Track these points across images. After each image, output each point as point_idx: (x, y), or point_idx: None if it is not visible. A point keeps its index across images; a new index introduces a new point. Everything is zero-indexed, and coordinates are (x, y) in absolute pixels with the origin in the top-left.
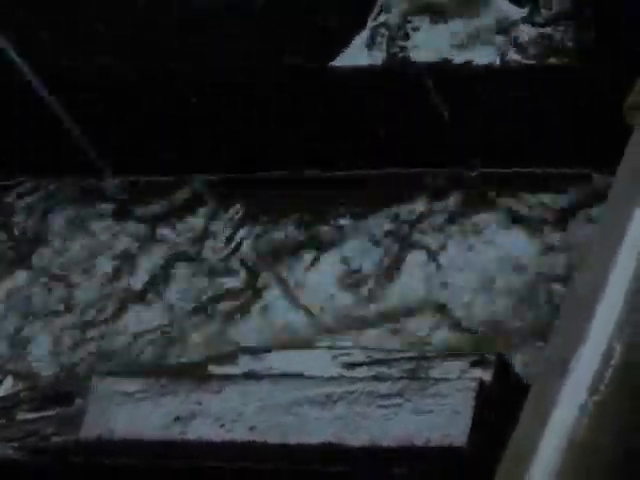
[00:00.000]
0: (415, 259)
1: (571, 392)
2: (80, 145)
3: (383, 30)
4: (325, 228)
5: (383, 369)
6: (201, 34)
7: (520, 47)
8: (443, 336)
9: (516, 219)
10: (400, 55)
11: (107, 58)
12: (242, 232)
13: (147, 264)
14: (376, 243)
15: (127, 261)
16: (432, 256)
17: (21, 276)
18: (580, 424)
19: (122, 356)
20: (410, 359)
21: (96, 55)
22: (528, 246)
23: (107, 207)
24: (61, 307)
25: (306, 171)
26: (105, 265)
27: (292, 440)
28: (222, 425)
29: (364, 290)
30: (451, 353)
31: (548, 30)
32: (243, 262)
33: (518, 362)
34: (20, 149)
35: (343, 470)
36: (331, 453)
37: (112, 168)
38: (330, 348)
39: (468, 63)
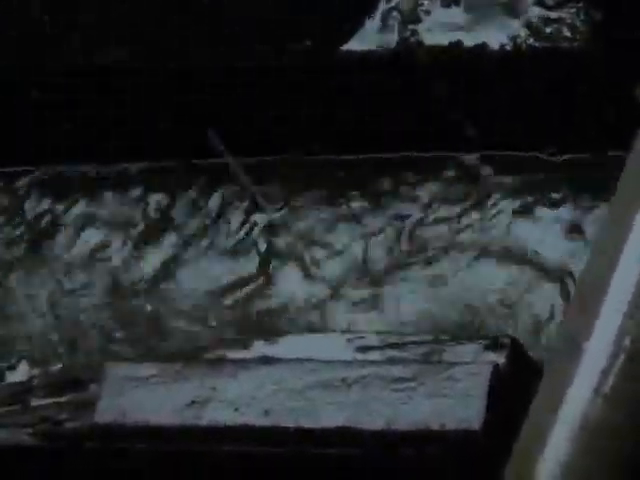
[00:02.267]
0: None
1: (585, 374)
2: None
3: (395, 13)
4: (340, 210)
5: (397, 353)
6: (213, 16)
7: (532, 29)
8: None
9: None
10: (412, 39)
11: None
12: (256, 217)
13: (160, 249)
14: (391, 227)
15: (140, 246)
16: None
17: None
18: (594, 406)
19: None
20: (424, 343)
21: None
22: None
23: (124, 192)
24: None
25: (318, 155)
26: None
27: (306, 424)
28: (236, 409)
29: (377, 278)
30: (465, 336)
31: (559, 12)
32: (256, 246)
33: None
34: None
35: (357, 454)
36: (345, 437)
37: (129, 154)
38: (343, 332)
39: (480, 46)
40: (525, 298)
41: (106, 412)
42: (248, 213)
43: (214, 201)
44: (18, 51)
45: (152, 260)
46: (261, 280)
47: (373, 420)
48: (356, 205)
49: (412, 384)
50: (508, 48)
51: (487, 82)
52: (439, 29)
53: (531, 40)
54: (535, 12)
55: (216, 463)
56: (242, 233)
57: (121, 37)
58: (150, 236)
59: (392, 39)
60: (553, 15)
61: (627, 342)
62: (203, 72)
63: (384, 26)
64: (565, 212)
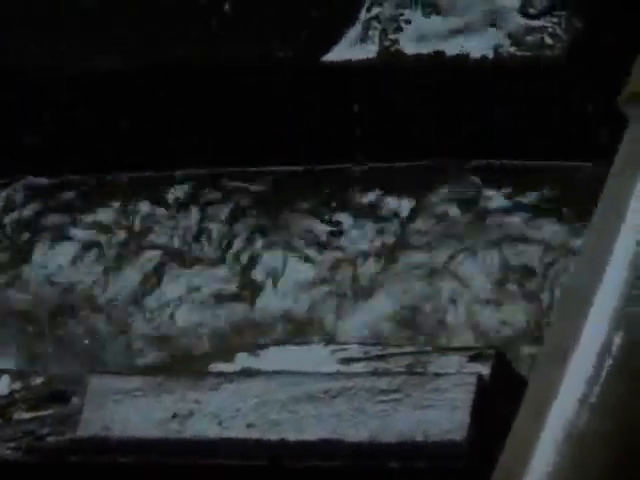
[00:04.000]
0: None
1: (570, 384)
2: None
3: (375, 23)
4: (321, 225)
5: (381, 364)
6: (187, 31)
7: (514, 38)
8: None
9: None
10: (393, 48)
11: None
12: (237, 227)
13: (141, 262)
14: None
15: (120, 259)
16: None
17: None
18: (580, 415)
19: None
20: (408, 354)
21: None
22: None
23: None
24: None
25: (300, 166)
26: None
27: (290, 436)
28: (220, 422)
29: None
30: (449, 348)
31: (541, 21)
32: (238, 258)
33: None
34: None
35: (342, 466)
36: (330, 449)
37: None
38: (327, 344)
39: (461, 55)
40: None
41: (89, 426)
42: (230, 223)
43: (196, 211)
44: None
45: (133, 271)
46: (243, 291)
47: (357, 432)
48: (340, 216)
49: (396, 396)
50: (490, 57)
51: (468, 91)
52: (420, 38)
53: (513, 49)
54: (517, 21)
55: (200, 477)
56: (224, 244)
57: (105, 40)
58: (132, 246)
59: (373, 49)
60: (535, 24)
61: (613, 351)
62: (181, 83)
63: (365, 36)
64: (549, 220)
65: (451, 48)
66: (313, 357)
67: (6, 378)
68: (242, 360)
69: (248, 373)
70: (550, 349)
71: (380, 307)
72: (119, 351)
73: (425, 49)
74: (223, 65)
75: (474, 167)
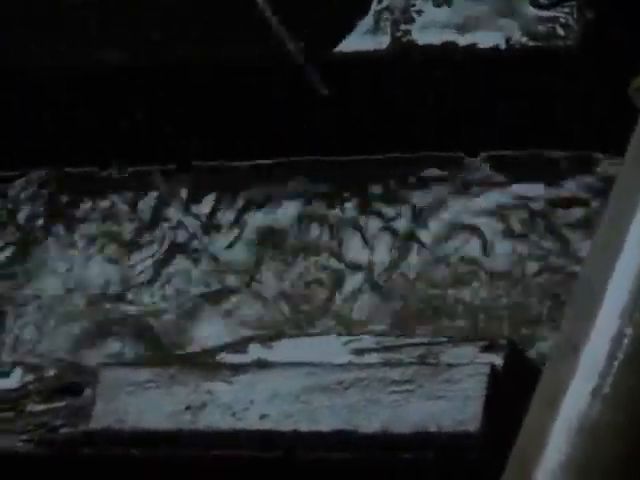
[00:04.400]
0: None
1: (583, 376)
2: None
3: (387, 14)
4: (327, 214)
5: (393, 355)
6: (198, 20)
7: (525, 29)
8: None
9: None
10: (404, 39)
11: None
12: (244, 220)
13: (150, 252)
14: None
15: (132, 248)
16: None
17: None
18: (593, 407)
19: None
20: (420, 345)
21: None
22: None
23: (113, 196)
24: None
25: (311, 157)
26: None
27: (303, 428)
28: (233, 414)
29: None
30: (462, 338)
31: (552, 12)
32: (246, 249)
33: None
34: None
35: (355, 457)
36: (343, 440)
37: (118, 158)
38: (339, 335)
39: (473, 45)
40: None
41: (101, 418)
42: (237, 216)
43: (203, 205)
44: None
45: (139, 264)
46: (252, 283)
47: (370, 423)
48: (350, 207)
49: (409, 386)
50: (501, 48)
51: (480, 82)
52: (432, 29)
53: (524, 40)
54: (528, 11)
55: (212, 468)
56: (232, 236)
57: (106, 37)
58: (137, 240)
59: (384, 40)
60: (546, 15)
61: (625, 343)
62: (191, 72)
63: (376, 27)
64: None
65: (462, 39)
66: (326, 348)
67: (19, 370)
68: (255, 351)
69: (261, 364)
70: (563, 340)
71: None
72: None
73: (436, 40)
74: (233, 59)
75: (486, 158)
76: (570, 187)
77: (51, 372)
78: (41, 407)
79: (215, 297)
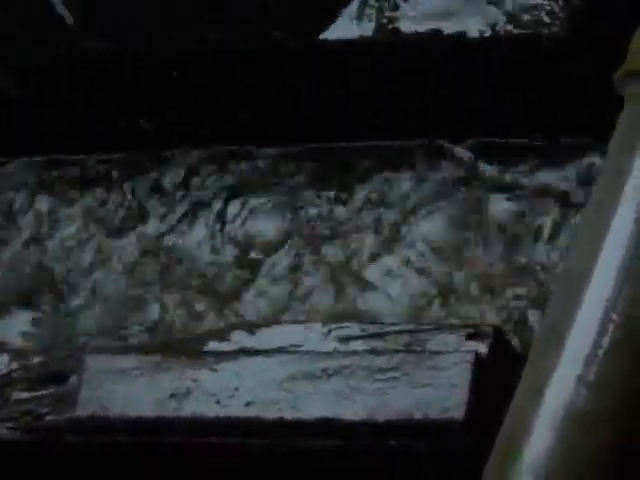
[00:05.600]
0: None
1: (568, 363)
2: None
3: (372, 1)
4: (316, 201)
5: (378, 343)
6: (184, 8)
7: (510, 16)
8: None
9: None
10: (390, 26)
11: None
12: (233, 207)
13: (139, 238)
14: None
15: (120, 234)
16: None
17: None
18: (578, 394)
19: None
20: (405, 332)
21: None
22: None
23: (101, 182)
24: None
25: (296, 146)
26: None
27: (288, 415)
28: (217, 401)
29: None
30: (447, 325)
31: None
32: (235, 238)
33: None
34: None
35: (340, 444)
36: (328, 428)
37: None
38: (325, 322)
39: (459, 33)
40: None
41: (87, 405)
42: (226, 203)
43: (191, 191)
44: None
45: (129, 250)
46: (240, 270)
47: (356, 411)
48: (335, 194)
49: (394, 374)
50: (487, 35)
51: (466, 70)
52: (417, 17)
53: (510, 27)
54: None
55: (198, 456)
56: (220, 223)
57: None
58: (129, 225)
59: (369, 27)
60: (532, 2)
61: (610, 330)
62: (177, 60)
63: (362, 14)
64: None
65: (448, 26)
66: (311, 335)
67: (4, 357)
68: (239, 339)
69: (246, 352)
70: (548, 326)
71: None
72: None
73: (422, 27)
74: (218, 47)
75: (472, 145)
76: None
77: (36, 359)
78: (26, 394)
79: None
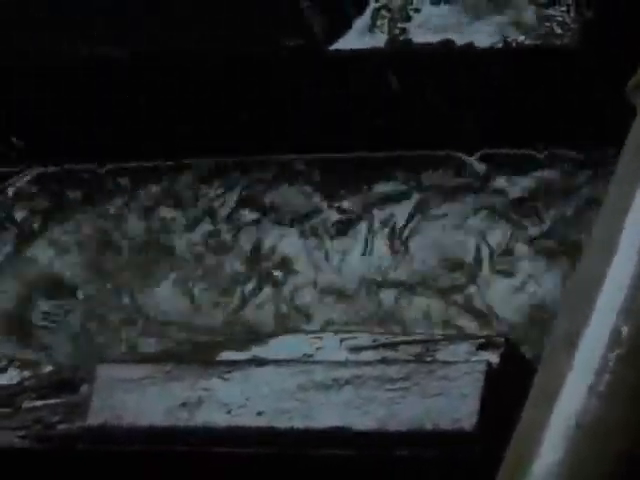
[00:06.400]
0: None
1: (580, 372)
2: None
3: (384, 12)
4: (326, 214)
5: (390, 353)
6: (196, 17)
7: (522, 27)
8: None
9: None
10: (402, 38)
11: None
12: (241, 215)
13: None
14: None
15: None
16: None
17: None
18: (589, 404)
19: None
20: (417, 342)
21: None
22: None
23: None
24: None
25: (307, 155)
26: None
27: (299, 425)
28: (229, 411)
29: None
30: (458, 336)
31: (550, 10)
32: (243, 245)
33: None
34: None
35: (351, 454)
36: (339, 437)
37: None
38: (336, 332)
39: (470, 44)
40: None
41: (98, 414)
42: (234, 211)
43: (201, 199)
44: None
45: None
46: (249, 279)
47: (366, 420)
48: (346, 205)
49: (405, 384)
50: (499, 46)
51: (477, 80)
52: (429, 27)
53: (522, 38)
54: (526, 10)
55: (209, 465)
56: (231, 231)
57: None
58: (137, 231)
59: (382, 38)
60: (544, 13)
61: (622, 339)
62: (186, 67)
63: (374, 24)
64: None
65: (460, 37)
66: (323, 345)
67: (15, 366)
68: (251, 348)
69: (258, 362)
70: (559, 336)
71: None
72: None
73: (434, 38)
74: (230, 54)
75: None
76: None
77: (47, 368)
78: (38, 403)
79: None
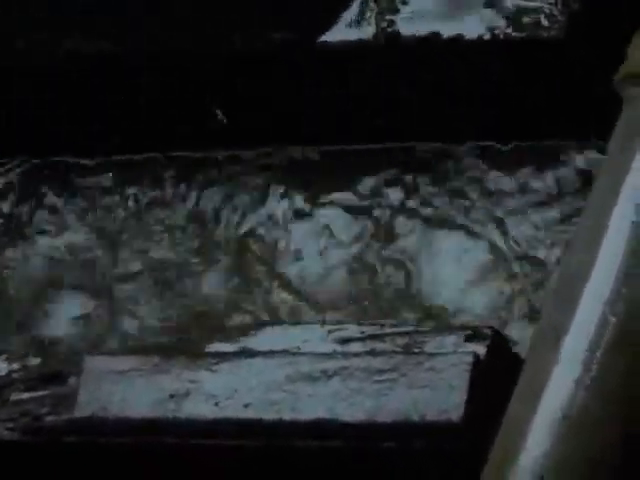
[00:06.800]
0: None
1: (566, 365)
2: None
3: (372, 4)
4: (313, 210)
5: (377, 344)
6: (183, 10)
7: (509, 19)
8: None
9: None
10: (389, 29)
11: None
12: (226, 212)
13: (138, 246)
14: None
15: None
16: None
17: None
18: (575, 397)
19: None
20: (404, 334)
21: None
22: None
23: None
24: None
25: (294, 147)
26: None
27: (286, 416)
28: (216, 403)
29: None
30: (445, 327)
31: (537, 2)
32: (228, 241)
33: None
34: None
35: (338, 446)
36: (326, 429)
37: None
38: (324, 324)
39: (457, 36)
40: None
41: (86, 406)
42: (224, 204)
43: (190, 194)
44: None
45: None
46: (239, 274)
47: (354, 412)
48: (344, 199)
49: (393, 375)
50: (486, 38)
51: (464, 73)
52: (417, 19)
53: (509, 30)
54: (513, 2)
55: (196, 457)
56: (212, 227)
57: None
58: (128, 228)
59: (369, 30)
60: (531, 5)
61: (608, 332)
62: (178, 62)
63: (361, 17)
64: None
65: (447, 29)
66: (310, 337)
67: (3, 359)
68: (238, 340)
69: (245, 353)
70: (545, 328)
71: None
72: None
73: (421, 30)
74: (218, 48)
75: (470, 148)
76: None
77: (35, 361)
78: (25, 395)
79: None
